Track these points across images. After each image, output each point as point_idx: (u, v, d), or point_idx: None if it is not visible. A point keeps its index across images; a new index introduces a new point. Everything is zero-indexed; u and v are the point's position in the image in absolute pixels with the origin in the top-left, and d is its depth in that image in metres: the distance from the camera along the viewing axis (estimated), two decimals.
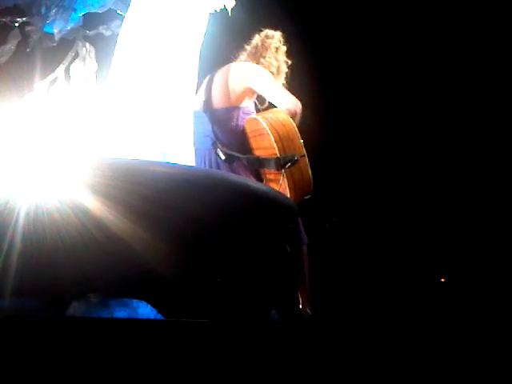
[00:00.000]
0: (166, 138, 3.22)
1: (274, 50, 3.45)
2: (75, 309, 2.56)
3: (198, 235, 2.75)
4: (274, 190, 2.88)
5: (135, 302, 2.62)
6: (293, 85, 3.32)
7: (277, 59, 3.45)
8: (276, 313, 2.80)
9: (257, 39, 3.50)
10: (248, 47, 3.46)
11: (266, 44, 3.46)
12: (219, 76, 3.36)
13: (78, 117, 3.98)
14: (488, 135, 4.39)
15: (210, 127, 3.31)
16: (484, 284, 3.54)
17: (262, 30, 3.46)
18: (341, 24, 4.51)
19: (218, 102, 3.35)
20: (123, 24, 3.43)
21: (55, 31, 3.77)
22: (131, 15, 3.37)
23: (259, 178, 3.13)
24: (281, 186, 2.97)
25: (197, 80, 3.28)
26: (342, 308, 3.14)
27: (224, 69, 3.40)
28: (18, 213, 2.96)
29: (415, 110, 4.54)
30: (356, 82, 4.59)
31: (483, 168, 4.31)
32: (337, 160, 4.19)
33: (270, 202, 2.82)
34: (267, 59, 3.42)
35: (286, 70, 3.42)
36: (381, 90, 4.59)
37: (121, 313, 2.56)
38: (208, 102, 3.34)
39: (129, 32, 3.33)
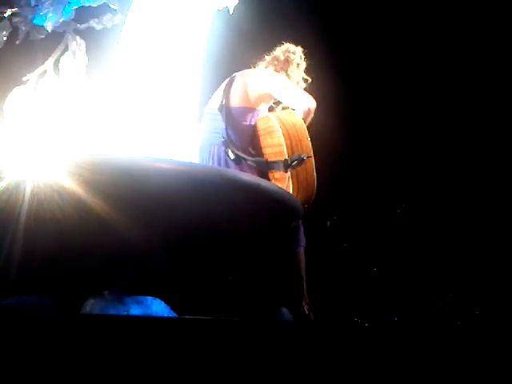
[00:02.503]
0: (169, 136, 3.24)
1: (295, 66, 3.50)
2: (92, 306, 2.57)
3: (208, 233, 2.78)
4: (283, 190, 2.94)
5: (149, 299, 2.64)
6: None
7: (297, 75, 3.51)
8: (287, 311, 2.86)
9: (278, 51, 3.53)
10: (268, 57, 3.50)
11: (288, 58, 3.50)
12: (239, 79, 3.39)
13: (69, 111, 3.96)
14: (489, 133, 4.45)
15: (222, 125, 3.33)
16: (486, 283, 3.61)
17: (283, 43, 3.50)
18: (357, 26, 4.54)
19: (234, 101, 3.37)
20: (125, 23, 3.43)
21: (48, 24, 3.72)
22: (134, 14, 3.37)
23: (265, 177, 3.17)
24: (286, 185, 3.02)
25: (202, 79, 3.32)
26: (344, 307, 3.20)
27: (244, 73, 3.43)
28: (20, 210, 2.95)
29: (417, 108, 4.59)
30: (357, 78, 4.62)
31: (484, 167, 4.36)
32: (338, 158, 4.22)
33: (280, 202, 2.87)
34: (289, 73, 3.48)
35: (304, 85, 3.48)
36: (382, 87, 4.63)
37: (136, 310, 2.58)
38: (225, 101, 3.36)
39: (131, 31, 3.34)
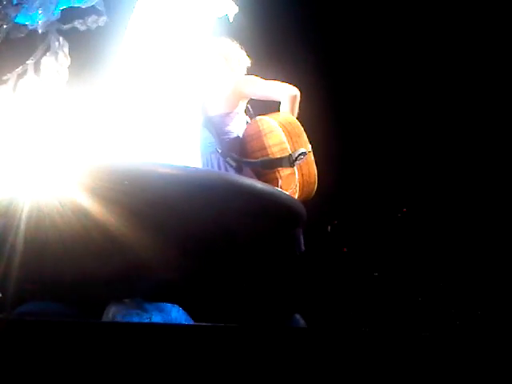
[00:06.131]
0: (172, 142, 3.25)
1: (237, 62, 3.57)
2: (114, 313, 2.55)
3: (221, 241, 2.81)
4: (292, 197, 3.02)
5: (169, 306, 2.65)
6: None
7: (241, 69, 3.58)
8: (300, 317, 2.91)
9: (216, 51, 3.57)
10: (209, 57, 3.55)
11: (228, 56, 3.56)
12: (211, 88, 3.46)
13: (50, 113, 3.88)
14: (488, 135, 4.55)
15: (210, 135, 3.38)
16: (485, 286, 3.73)
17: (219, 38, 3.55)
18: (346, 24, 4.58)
19: (212, 111, 3.44)
20: (126, 30, 3.40)
21: (40, 23, 3.64)
22: (135, 21, 3.35)
23: (269, 178, 3.25)
24: (293, 182, 3.12)
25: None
26: (344, 312, 3.25)
27: (213, 81, 3.50)
28: (21, 215, 2.89)
29: (416, 113, 4.66)
30: (359, 82, 4.67)
31: (485, 169, 4.46)
32: (339, 161, 4.27)
33: (291, 209, 2.95)
34: (233, 69, 3.54)
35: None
36: (383, 90, 4.68)
37: (157, 317, 2.59)
38: (205, 110, 3.42)
39: (133, 37, 3.33)
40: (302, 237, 3.25)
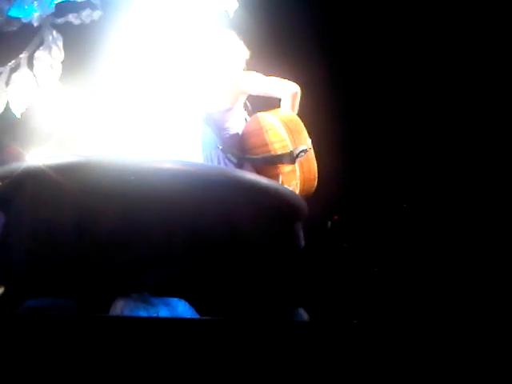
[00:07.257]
0: (173, 138, 3.25)
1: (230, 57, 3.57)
2: (122, 308, 2.54)
3: (225, 236, 2.82)
4: (295, 193, 3.04)
5: (175, 300, 2.65)
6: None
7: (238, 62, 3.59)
8: (303, 311, 2.93)
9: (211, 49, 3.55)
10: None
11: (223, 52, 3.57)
12: (211, 84, 3.45)
13: (44, 107, 3.85)
14: (489, 131, 4.57)
15: (212, 132, 3.38)
16: (486, 285, 3.75)
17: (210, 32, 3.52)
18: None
19: (212, 107, 3.43)
20: (125, 26, 3.38)
21: (35, 16, 3.61)
22: (133, 15, 3.34)
23: (269, 174, 3.25)
24: (294, 179, 3.13)
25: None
26: (344, 307, 3.26)
27: (213, 76, 3.48)
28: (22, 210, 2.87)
29: (417, 109, 4.68)
30: (361, 75, 4.68)
31: (486, 165, 4.48)
32: (339, 157, 4.26)
33: (294, 205, 2.97)
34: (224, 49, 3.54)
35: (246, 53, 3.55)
36: (383, 85, 4.67)
37: (164, 312, 2.58)
38: (205, 106, 3.42)
39: (131, 33, 3.31)
40: (301, 232, 3.27)
